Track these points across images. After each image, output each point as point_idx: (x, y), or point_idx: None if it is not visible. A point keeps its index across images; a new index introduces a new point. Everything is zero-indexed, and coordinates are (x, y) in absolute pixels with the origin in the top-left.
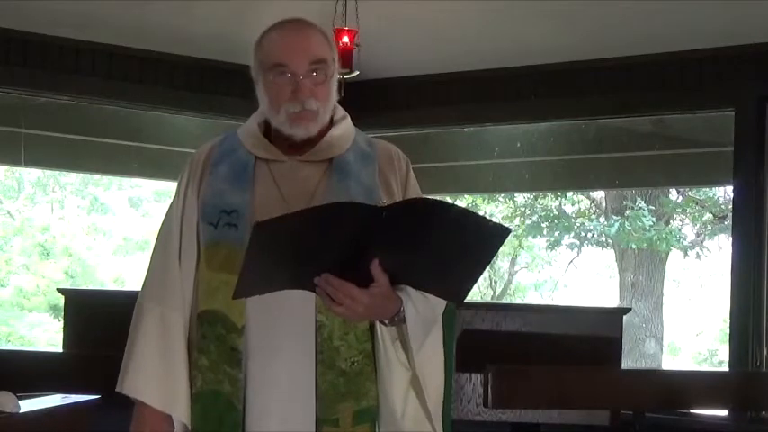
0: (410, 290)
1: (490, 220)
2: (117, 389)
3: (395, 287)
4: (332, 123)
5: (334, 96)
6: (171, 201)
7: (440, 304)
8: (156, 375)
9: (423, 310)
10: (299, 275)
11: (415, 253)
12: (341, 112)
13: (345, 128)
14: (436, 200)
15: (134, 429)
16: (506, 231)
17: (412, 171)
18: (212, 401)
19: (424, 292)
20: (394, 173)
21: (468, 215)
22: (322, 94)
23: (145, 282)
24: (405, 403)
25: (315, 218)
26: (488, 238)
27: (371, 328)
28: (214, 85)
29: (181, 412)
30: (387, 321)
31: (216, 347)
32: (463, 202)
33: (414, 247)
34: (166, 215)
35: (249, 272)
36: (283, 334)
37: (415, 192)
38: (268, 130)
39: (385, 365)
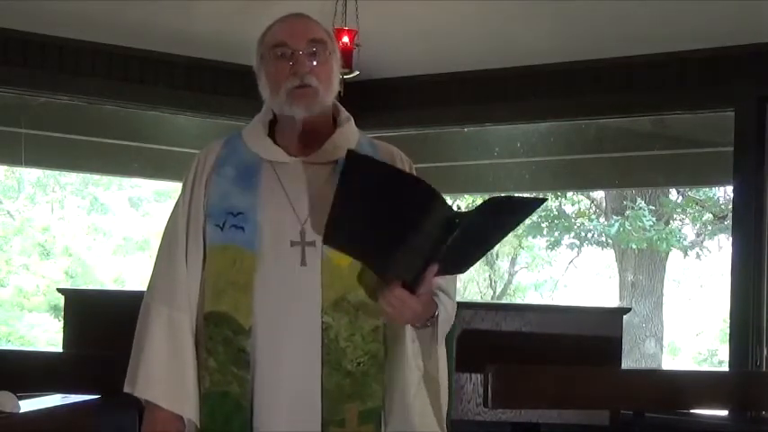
0: (439, 293)
1: (534, 198)
2: (127, 390)
3: None
4: (336, 125)
5: (336, 84)
6: (176, 201)
7: (453, 305)
8: (166, 376)
9: (448, 312)
10: (375, 248)
11: (465, 248)
12: (345, 114)
13: (350, 129)
14: (503, 198)
15: (146, 430)
16: (542, 201)
17: (415, 173)
18: (221, 402)
19: (444, 293)
20: None
21: (530, 203)
22: (322, 74)
23: (151, 282)
24: (414, 403)
25: (399, 181)
26: (525, 213)
27: (377, 330)
28: (214, 85)
29: (191, 412)
30: (419, 324)
31: (223, 349)
32: (463, 202)
33: (468, 246)
34: (171, 215)
35: (339, 210)
36: (290, 335)
37: None
38: (273, 132)
39: (402, 366)
